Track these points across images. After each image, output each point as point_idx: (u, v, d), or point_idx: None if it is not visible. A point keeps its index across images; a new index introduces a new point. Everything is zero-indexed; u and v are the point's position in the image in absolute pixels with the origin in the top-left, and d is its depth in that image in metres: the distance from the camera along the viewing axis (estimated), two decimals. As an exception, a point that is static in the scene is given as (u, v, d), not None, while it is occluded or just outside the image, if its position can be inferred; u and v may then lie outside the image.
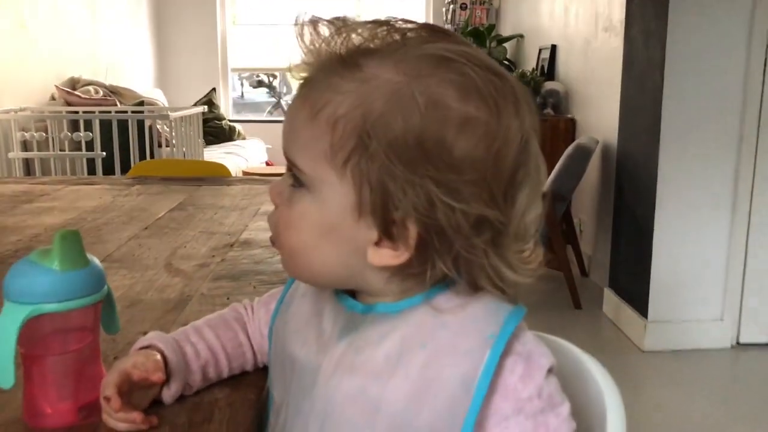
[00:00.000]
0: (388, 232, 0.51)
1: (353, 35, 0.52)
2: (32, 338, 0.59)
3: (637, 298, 2.78)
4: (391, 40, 0.52)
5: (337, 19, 0.53)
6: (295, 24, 0.54)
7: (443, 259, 0.50)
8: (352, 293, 0.58)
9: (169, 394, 0.62)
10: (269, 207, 1.38)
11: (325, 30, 0.53)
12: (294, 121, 0.53)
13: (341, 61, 0.51)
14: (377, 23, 0.53)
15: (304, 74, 0.54)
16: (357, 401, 0.53)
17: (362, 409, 0.53)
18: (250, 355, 0.69)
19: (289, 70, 0.55)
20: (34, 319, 0.57)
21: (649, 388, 2.43)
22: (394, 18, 0.53)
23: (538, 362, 0.52)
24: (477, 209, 0.48)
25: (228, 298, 0.93)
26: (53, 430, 0.60)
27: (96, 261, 0.62)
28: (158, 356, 0.62)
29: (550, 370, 0.52)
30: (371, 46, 0.52)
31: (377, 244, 0.52)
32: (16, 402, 0.63)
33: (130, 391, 0.59)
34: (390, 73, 0.49)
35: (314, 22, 0.53)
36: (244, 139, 5.82)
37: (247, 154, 5.30)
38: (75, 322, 0.60)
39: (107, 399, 0.57)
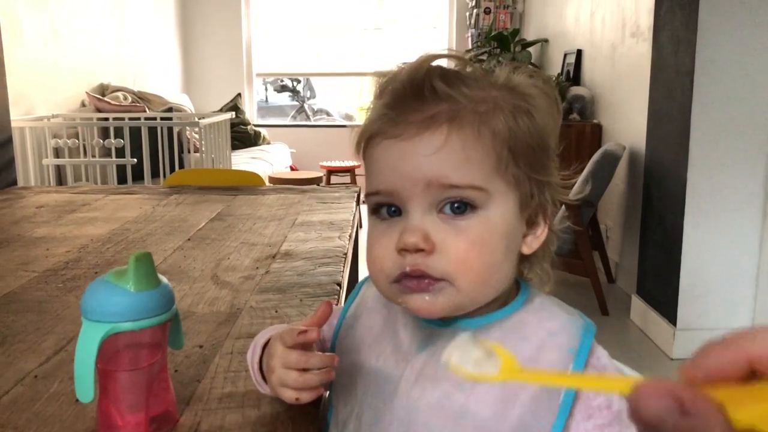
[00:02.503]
0: (534, 218, 0.59)
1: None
2: (107, 355, 0.62)
3: (666, 305, 2.77)
4: (477, 72, 0.59)
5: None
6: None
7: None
8: None
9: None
10: (306, 217, 1.40)
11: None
12: (453, 146, 0.54)
13: (459, 79, 0.57)
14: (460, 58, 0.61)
15: (420, 105, 0.56)
16: (441, 410, 0.56)
17: (447, 417, 0.55)
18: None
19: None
20: (110, 337, 0.60)
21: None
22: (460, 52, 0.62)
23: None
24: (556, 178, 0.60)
25: (276, 311, 0.96)
26: (126, 442, 0.63)
27: (165, 281, 0.65)
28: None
29: None
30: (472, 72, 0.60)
31: (524, 236, 0.59)
32: (90, 414, 0.66)
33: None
34: (505, 93, 0.57)
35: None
36: (268, 143, 5.88)
37: (272, 159, 5.35)
38: (147, 340, 0.63)
39: (303, 332, 0.59)
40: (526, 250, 0.59)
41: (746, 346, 0.26)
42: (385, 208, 0.58)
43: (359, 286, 0.71)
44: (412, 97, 0.56)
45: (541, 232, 0.60)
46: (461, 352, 0.36)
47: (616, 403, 0.54)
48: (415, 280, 0.55)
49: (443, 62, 0.60)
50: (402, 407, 0.58)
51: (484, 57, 5.33)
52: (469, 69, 0.59)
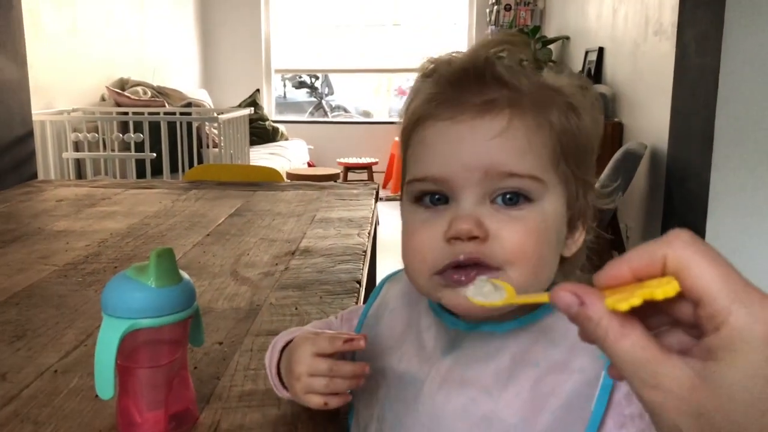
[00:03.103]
0: (574, 220, 0.57)
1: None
2: (127, 351, 0.61)
3: (686, 306, 2.74)
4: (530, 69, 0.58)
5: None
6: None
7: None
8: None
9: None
10: (324, 214, 1.39)
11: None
12: (515, 132, 0.52)
13: (521, 67, 0.55)
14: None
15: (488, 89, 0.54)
16: (467, 415, 0.54)
17: (473, 423, 0.54)
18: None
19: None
20: (130, 333, 0.59)
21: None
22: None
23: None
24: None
25: (296, 308, 0.95)
26: (146, 439, 0.62)
27: (187, 277, 0.64)
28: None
29: None
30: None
31: (565, 238, 0.57)
32: (110, 410, 0.66)
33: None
34: (554, 92, 0.56)
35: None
36: (286, 139, 5.88)
37: (290, 155, 5.35)
38: (167, 336, 0.62)
39: (349, 340, 0.58)
40: (566, 252, 0.57)
41: (633, 262, 0.34)
42: (429, 196, 0.55)
43: (381, 285, 0.70)
44: (474, 79, 0.53)
45: (579, 236, 0.58)
46: (476, 288, 0.45)
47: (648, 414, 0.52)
48: (463, 272, 0.52)
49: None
50: (425, 412, 0.56)
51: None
52: (525, 62, 0.57)
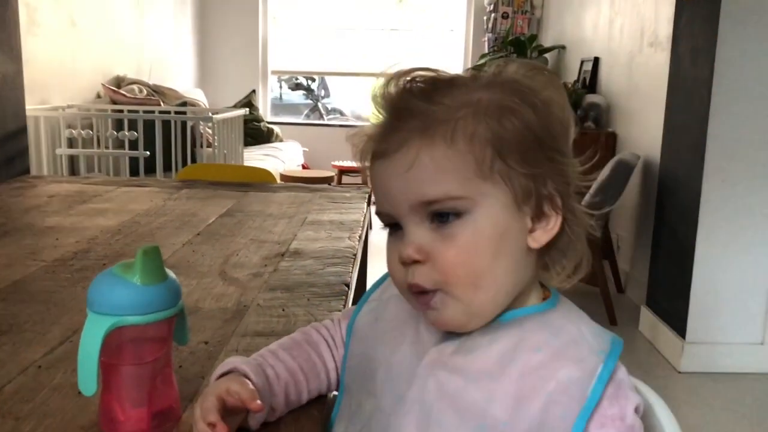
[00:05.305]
0: (540, 211, 0.57)
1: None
2: (111, 348, 0.61)
3: (675, 317, 2.75)
4: (467, 76, 0.60)
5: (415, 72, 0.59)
6: (383, 77, 0.59)
7: (570, 227, 0.59)
8: None
9: (255, 420, 0.62)
10: (316, 216, 1.38)
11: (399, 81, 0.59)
12: (423, 162, 0.55)
13: (435, 91, 0.57)
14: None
15: (386, 121, 0.58)
16: (455, 403, 0.56)
17: (461, 411, 0.55)
18: (324, 376, 0.70)
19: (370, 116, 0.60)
20: (115, 330, 0.60)
21: (684, 409, 2.40)
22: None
23: (626, 392, 0.55)
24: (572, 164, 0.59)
25: (283, 310, 0.95)
26: (127, 437, 0.62)
27: (173, 275, 0.64)
28: (250, 384, 0.61)
29: (636, 409, 0.55)
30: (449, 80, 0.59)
31: (530, 231, 0.58)
32: (93, 407, 0.66)
33: (222, 417, 0.58)
34: (489, 93, 0.57)
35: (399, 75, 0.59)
36: (281, 141, 5.88)
37: (284, 157, 5.35)
38: (152, 334, 0.62)
39: (212, 425, 0.56)
40: (534, 244, 0.58)
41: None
42: (389, 224, 0.60)
43: (386, 276, 0.71)
44: (391, 115, 0.58)
45: (553, 224, 0.58)
46: None
47: (629, 417, 0.54)
48: (419, 297, 0.58)
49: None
50: (416, 397, 0.58)
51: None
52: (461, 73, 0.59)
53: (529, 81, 0.58)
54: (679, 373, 2.66)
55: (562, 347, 0.56)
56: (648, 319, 2.98)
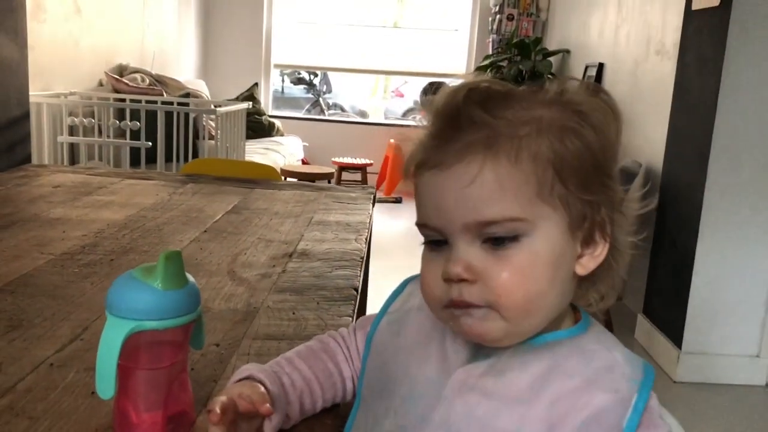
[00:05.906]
0: (590, 237, 0.57)
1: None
2: (128, 351, 0.61)
3: (672, 327, 2.76)
4: (524, 90, 0.58)
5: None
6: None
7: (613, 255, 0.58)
8: None
9: (270, 427, 0.62)
10: (322, 216, 1.38)
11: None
12: (486, 178, 0.53)
13: (495, 103, 0.55)
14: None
15: (443, 136, 0.56)
16: (486, 427, 0.55)
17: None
18: (340, 385, 0.70)
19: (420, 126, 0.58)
20: (134, 334, 0.59)
21: (677, 419, 2.40)
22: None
23: (656, 420, 0.55)
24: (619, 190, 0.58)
25: (294, 313, 0.95)
26: (142, 441, 0.62)
27: (193, 280, 0.64)
28: (262, 388, 0.61)
29: None
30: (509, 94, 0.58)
31: (579, 257, 0.57)
32: (106, 408, 0.65)
33: (235, 420, 0.58)
34: (551, 111, 0.55)
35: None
36: (282, 135, 5.86)
37: (285, 151, 5.34)
38: (169, 339, 0.62)
39: (209, 411, 0.56)
40: (581, 270, 0.57)
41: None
42: (431, 238, 0.58)
43: (404, 285, 0.71)
44: (450, 125, 0.55)
45: (600, 251, 0.57)
46: None
47: None
48: (459, 304, 0.55)
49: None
50: (442, 419, 0.57)
51: (504, 64, 5.31)
52: (519, 88, 0.57)
53: (589, 103, 0.56)
54: (674, 382, 2.67)
55: (595, 374, 0.55)
56: (644, 327, 2.99)
